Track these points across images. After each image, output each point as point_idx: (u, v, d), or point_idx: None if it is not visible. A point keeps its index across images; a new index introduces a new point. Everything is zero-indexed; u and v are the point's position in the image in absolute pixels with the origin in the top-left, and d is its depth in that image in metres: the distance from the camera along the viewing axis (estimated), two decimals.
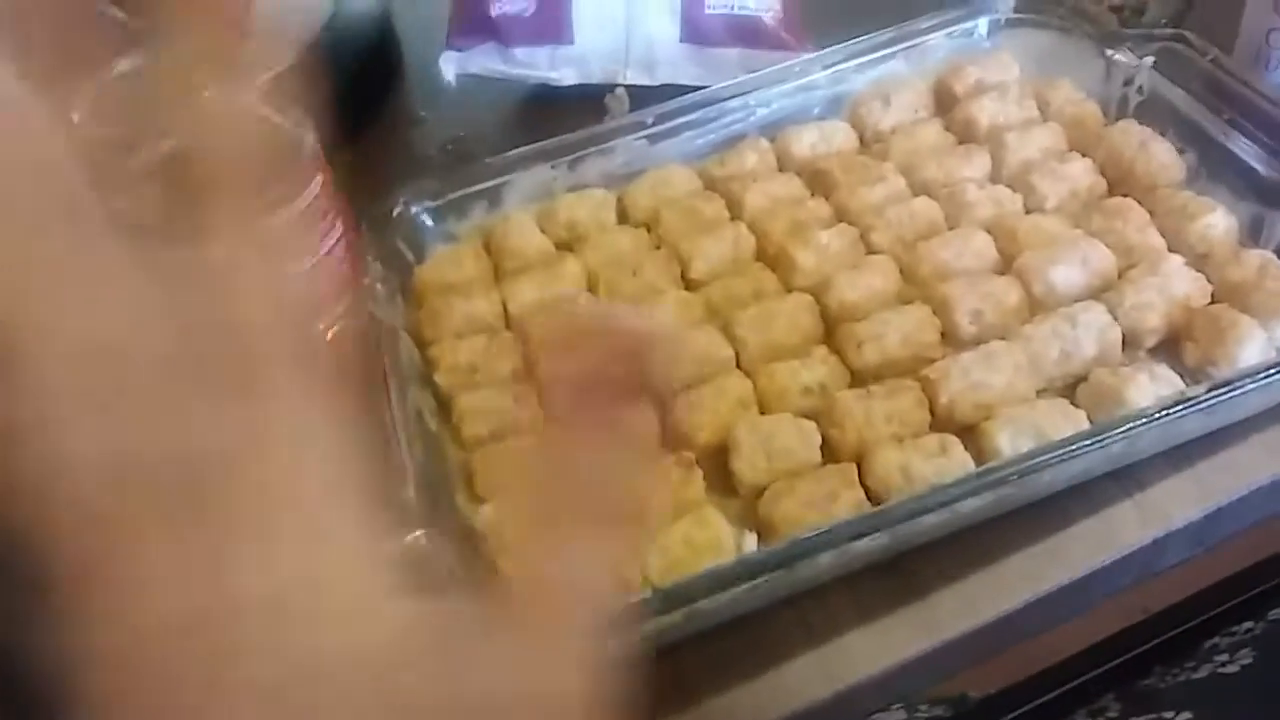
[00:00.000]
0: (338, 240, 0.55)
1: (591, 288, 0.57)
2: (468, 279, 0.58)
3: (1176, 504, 0.49)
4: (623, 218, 0.61)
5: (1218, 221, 0.53)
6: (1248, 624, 0.69)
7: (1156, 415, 0.43)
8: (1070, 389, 0.50)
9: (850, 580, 0.48)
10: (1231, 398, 0.44)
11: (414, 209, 0.60)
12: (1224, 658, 0.68)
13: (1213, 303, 0.50)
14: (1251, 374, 0.44)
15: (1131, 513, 0.50)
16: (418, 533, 0.43)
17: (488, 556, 0.46)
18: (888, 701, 0.50)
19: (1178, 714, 0.65)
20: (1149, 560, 0.51)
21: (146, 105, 0.59)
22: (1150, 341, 0.51)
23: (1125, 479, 0.50)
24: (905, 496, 0.44)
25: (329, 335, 0.53)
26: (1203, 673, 0.68)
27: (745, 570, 0.40)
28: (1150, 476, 0.50)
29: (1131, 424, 0.43)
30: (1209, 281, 0.51)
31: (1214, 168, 0.56)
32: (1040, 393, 0.49)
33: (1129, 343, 0.50)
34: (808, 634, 0.47)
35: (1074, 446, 0.43)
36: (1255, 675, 0.65)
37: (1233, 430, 0.51)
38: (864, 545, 0.43)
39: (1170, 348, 0.51)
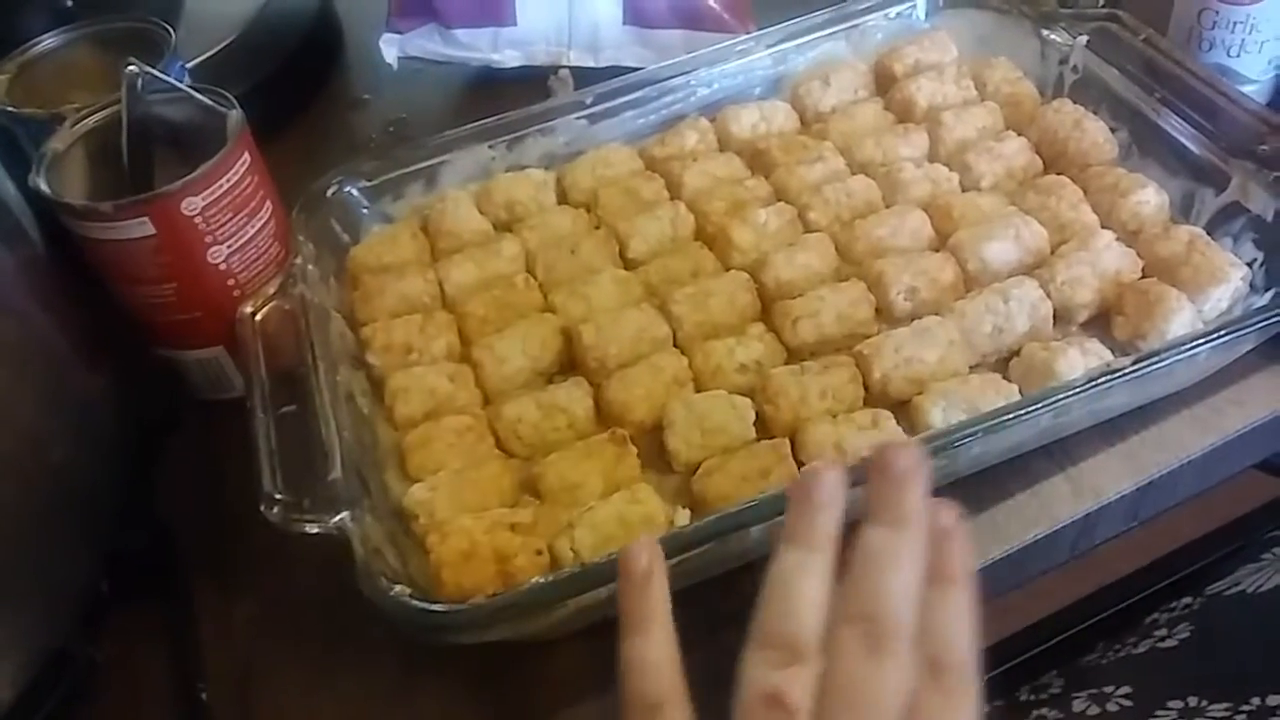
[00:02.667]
0: (266, 221, 0.55)
1: (529, 268, 0.57)
2: (403, 259, 0.57)
3: (1108, 478, 0.50)
4: (562, 198, 0.61)
5: (1149, 198, 0.53)
6: (1186, 599, 0.70)
7: (1083, 387, 0.43)
8: (1003, 364, 0.50)
9: None
10: (1157, 369, 0.44)
11: (348, 189, 0.59)
12: (1163, 632, 0.68)
13: (1143, 278, 0.51)
14: (1177, 345, 0.44)
15: (1064, 487, 0.50)
16: (343, 514, 0.42)
17: (418, 535, 0.45)
18: None
19: (1117, 688, 0.66)
20: (1083, 534, 0.51)
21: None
22: (1082, 316, 0.51)
23: (1058, 454, 0.51)
24: None
25: (258, 317, 0.52)
26: (1142, 648, 0.68)
27: (675, 544, 0.40)
28: (1082, 451, 0.51)
29: (1060, 395, 0.43)
30: (1140, 257, 0.51)
31: (1146, 145, 0.57)
32: (973, 368, 0.50)
33: (1061, 318, 0.51)
34: (746, 607, 0.47)
35: (1003, 418, 0.43)
36: (1191, 649, 0.66)
37: (1163, 404, 0.51)
38: None
39: (1102, 322, 0.51)
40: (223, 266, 0.53)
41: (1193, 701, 0.62)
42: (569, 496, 0.45)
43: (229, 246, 0.53)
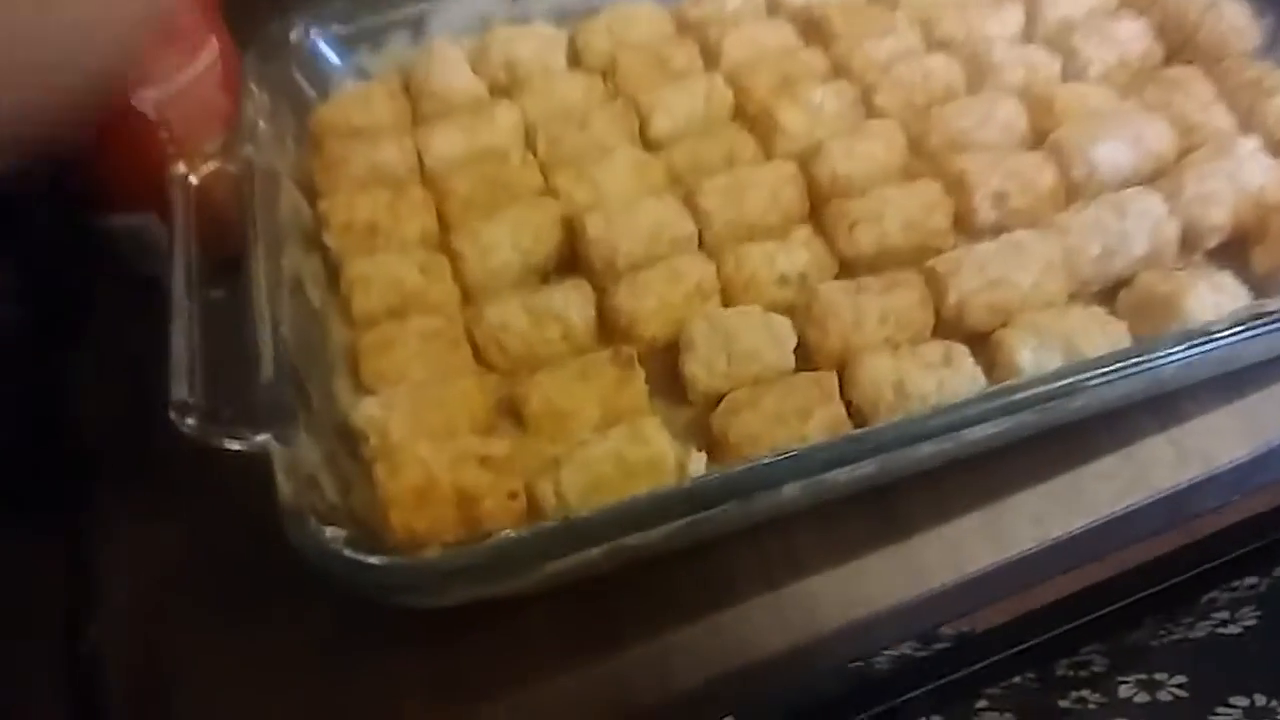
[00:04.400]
0: (211, 65, 0.45)
1: (529, 142, 0.47)
2: (378, 123, 0.48)
3: (1221, 441, 0.42)
4: (574, 61, 0.52)
5: None
6: (1250, 579, 0.62)
7: (1220, 335, 0.34)
8: (1110, 295, 0.41)
9: (820, 512, 0.39)
10: None
11: (316, 35, 0.50)
12: (1224, 615, 0.61)
13: None
14: None
15: (1166, 449, 0.42)
16: (264, 436, 0.33)
17: (364, 458, 0.36)
18: (859, 654, 0.42)
19: (1171, 676, 0.58)
20: (1180, 506, 0.42)
21: None
22: (1212, 241, 0.41)
23: (1162, 409, 0.42)
24: (897, 418, 0.34)
25: (194, 180, 0.43)
26: (1200, 632, 0.61)
27: (685, 501, 0.31)
28: (1190, 407, 0.42)
29: (1190, 344, 0.34)
30: None
31: None
32: (1072, 297, 0.41)
33: (1186, 242, 0.41)
34: (766, 576, 0.39)
35: (1114, 368, 0.34)
36: (1259, 638, 0.58)
37: None
38: (840, 476, 0.33)
39: (1234, 251, 0.42)
40: (153, 115, 0.43)
41: (1260, 700, 0.55)
42: (557, 427, 0.37)
43: (159, 90, 0.43)
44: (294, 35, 0.49)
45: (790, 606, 0.39)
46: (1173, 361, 0.34)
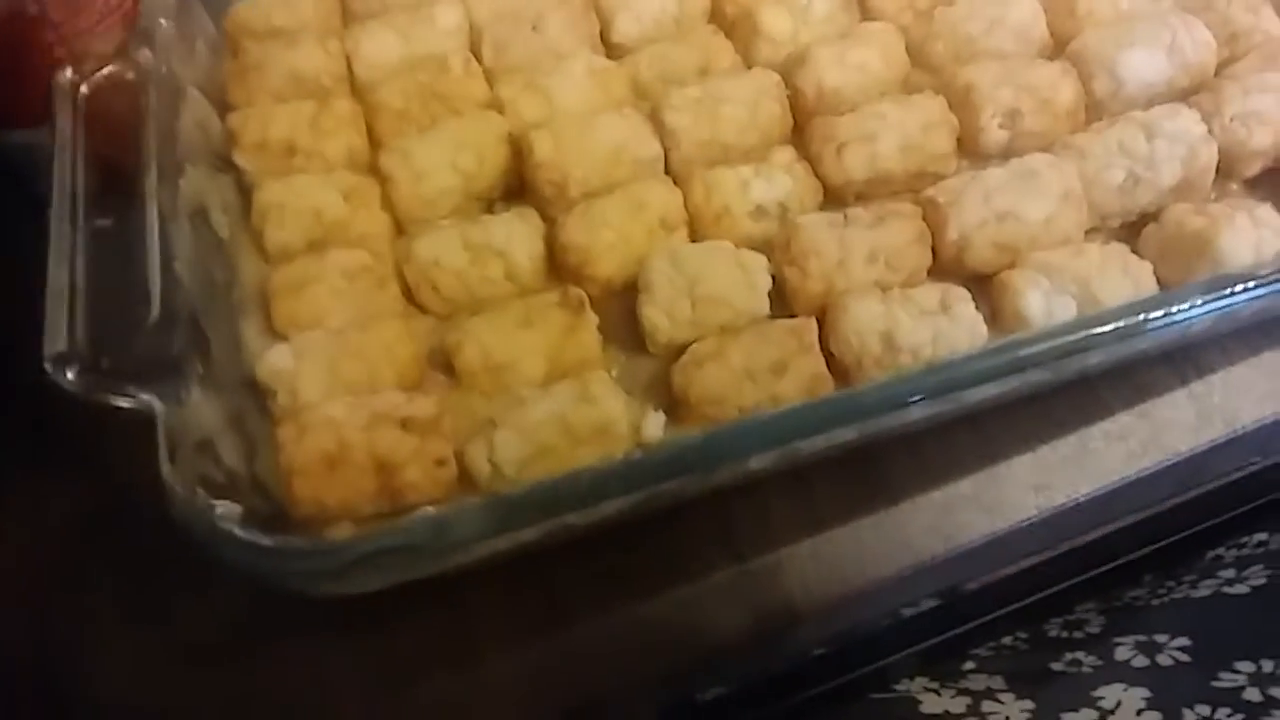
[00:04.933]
0: None
1: (473, 47, 0.42)
2: (301, 22, 0.42)
3: (1247, 399, 0.38)
4: None
5: None
6: (1260, 535, 0.59)
7: (1270, 280, 0.29)
8: (1135, 231, 0.37)
9: (794, 476, 0.35)
10: None
11: None
12: (1230, 573, 0.58)
13: None
14: None
15: (1187, 408, 0.38)
16: (146, 396, 0.29)
17: (275, 419, 0.32)
18: (833, 640, 0.38)
19: (1172, 638, 0.55)
20: (1199, 469, 0.39)
21: None
22: (1254, 169, 0.37)
23: (1181, 360, 0.38)
24: (885, 377, 0.30)
25: (84, 88, 0.37)
26: (1204, 590, 0.58)
27: (638, 473, 0.27)
28: (1216, 360, 0.38)
29: (1231, 290, 0.29)
30: None
31: None
32: (1090, 234, 0.36)
33: (1223, 169, 0.36)
34: (730, 548, 0.36)
35: (1134, 320, 0.29)
36: (1267, 599, 0.55)
37: None
38: (816, 443, 0.29)
39: (1274, 181, 0.37)
40: (34, 10, 0.38)
41: (1268, 666, 0.52)
42: (494, 382, 0.32)
43: None
44: None
45: (758, 582, 0.35)
46: (1204, 314, 0.29)
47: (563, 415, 0.30)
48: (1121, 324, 0.29)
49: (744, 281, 0.33)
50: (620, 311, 0.36)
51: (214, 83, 0.41)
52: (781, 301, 0.35)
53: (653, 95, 0.39)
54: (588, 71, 0.39)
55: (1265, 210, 0.34)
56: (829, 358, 0.33)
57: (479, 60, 0.41)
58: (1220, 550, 0.60)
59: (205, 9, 0.43)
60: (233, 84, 0.40)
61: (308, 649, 0.33)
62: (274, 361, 0.32)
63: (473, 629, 0.34)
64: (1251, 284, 0.29)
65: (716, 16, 0.42)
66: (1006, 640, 0.61)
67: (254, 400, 0.33)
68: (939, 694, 0.58)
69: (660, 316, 0.33)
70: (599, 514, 0.30)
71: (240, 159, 0.38)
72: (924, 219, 0.35)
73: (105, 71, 0.38)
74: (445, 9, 0.42)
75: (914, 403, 0.29)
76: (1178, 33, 0.37)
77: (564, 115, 0.38)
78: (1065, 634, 0.59)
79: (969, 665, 0.59)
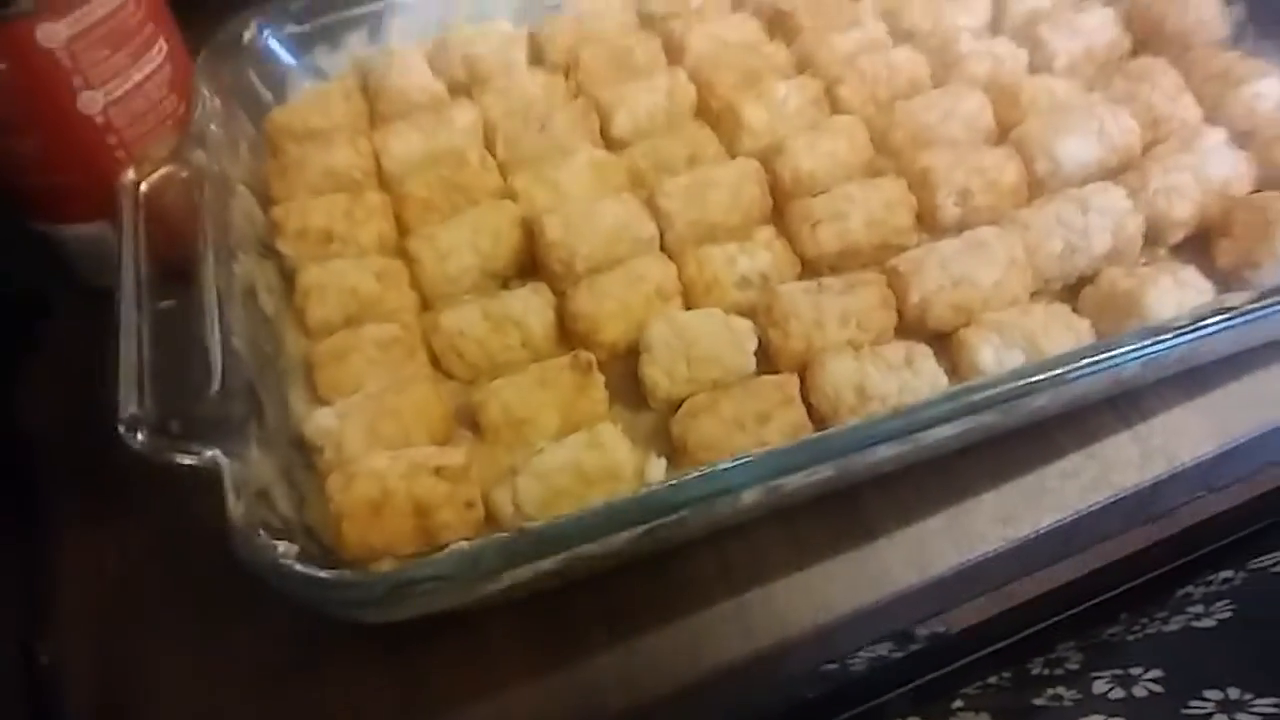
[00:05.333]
0: (160, 66, 0.44)
1: (488, 143, 0.47)
2: (334, 124, 0.47)
3: (1185, 439, 0.42)
4: (535, 58, 0.51)
5: (1269, 90, 0.43)
6: (1225, 573, 0.62)
7: (1187, 330, 0.33)
8: (1074, 292, 0.41)
9: (782, 515, 0.39)
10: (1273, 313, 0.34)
11: (270, 35, 0.49)
12: (1198, 609, 0.61)
13: (1257, 191, 0.40)
14: None
15: (1130, 448, 0.42)
16: (213, 451, 0.33)
17: (321, 472, 0.36)
18: (820, 661, 0.41)
19: (1146, 670, 0.58)
20: (1146, 503, 0.42)
21: None
22: (1176, 237, 0.41)
23: (1124, 406, 0.42)
24: (857, 421, 0.34)
25: (143, 187, 0.42)
26: (1174, 625, 0.61)
27: (643, 509, 0.31)
28: (1154, 404, 0.42)
29: (1155, 340, 0.33)
30: (1254, 164, 0.41)
31: (1267, 23, 0.46)
32: (1035, 295, 0.40)
33: (1150, 237, 0.41)
34: (727, 580, 0.39)
35: (1078, 365, 0.33)
36: (1233, 631, 0.58)
37: (1259, 353, 0.42)
38: (798, 480, 0.33)
39: (1200, 245, 0.42)
40: (99, 119, 0.43)
41: (1234, 693, 0.55)
42: (515, 435, 0.36)
43: (106, 94, 0.43)
44: (247, 35, 0.48)
45: (754, 612, 0.38)
46: (1133, 359, 0.34)
47: (576, 462, 0.34)
48: (1057, 371, 0.33)
49: (733, 343, 0.37)
50: (624, 372, 0.39)
51: (258, 179, 0.46)
52: (766, 360, 0.39)
53: (648, 182, 0.43)
54: (590, 163, 0.44)
55: (1189, 272, 0.39)
56: (809, 408, 0.36)
57: (493, 155, 0.45)
58: (1189, 588, 0.63)
59: (248, 115, 0.48)
60: (274, 180, 0.45)
61: (347, 678, 0.37)
62: (320, 422, 0.36)
63: (496, 660, 0.37)
64: (1169, 334, 0.34)
65: (703, 112, 0.47)
66: (992, 680, 0.64)
67: (301, 457, 0.37)
68: None
69: (660, 375, 0.37)
70: (610, 551, 0.34)
71: (283, 246, 0.42)
72: (889, 285, 0.38)
73: (162, 172, 0.42)
74: (462, 110, 0.47)
75: (881, 443, 0.33)
76: (1105, 121, 0.42)
77: (570, 201, 0.42)
78: (1047, 671, 0.62)
79: (958, 704, 0.62)
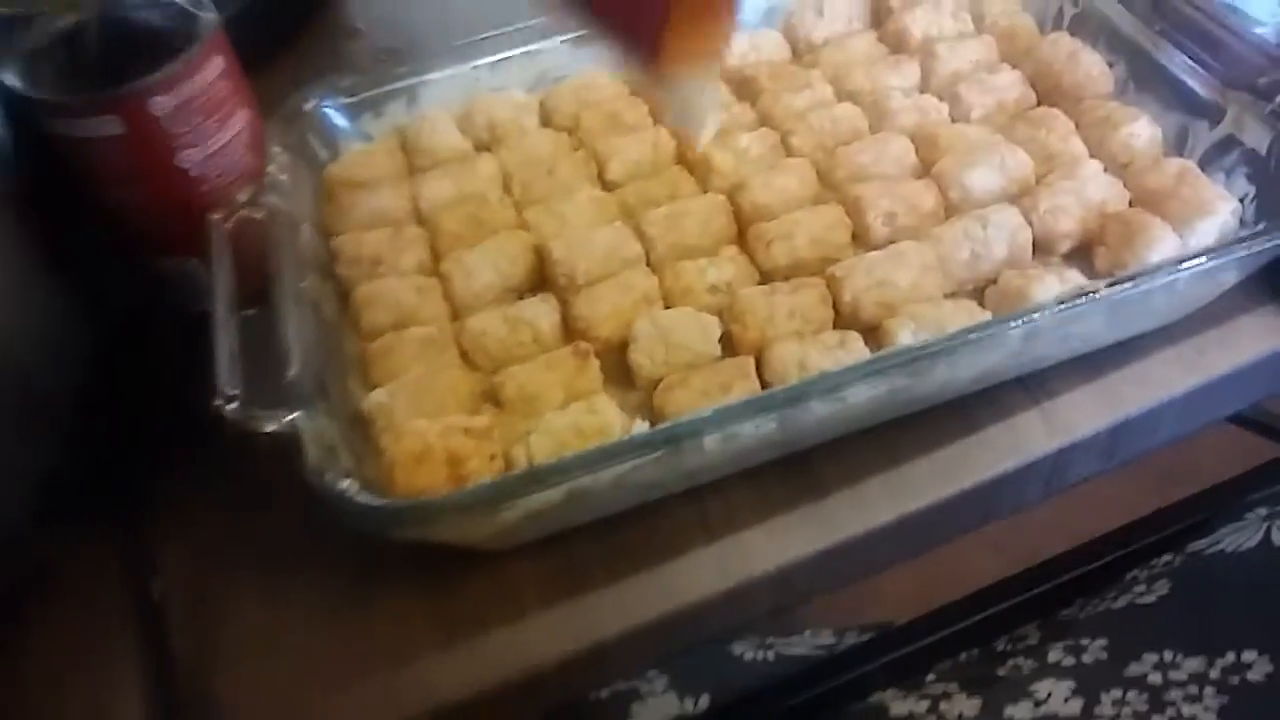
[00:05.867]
0: (241, 129, 0.54)
1: (506, 186, 0.56)
2: (379, 175, 0.56)
3: (1084, 414, 0.49)
4: (545, 121, 0.60)
5: (1141, 130, 0.52)
6: (1166, 556, 0.69)
7: (1053, 307, 0.42)
8: (980, 293, 0.49)
9: (752, 477, 0.47)
10: (1131, 292, 0.43)
11: (327, 105, 0.59)
12: (1142, 589, 0.68)
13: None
14: (1153, 269, 0.43)
15: (1038, 421, 0.49)
16: (296, 414, 0.42)
17: (373, 439, 0.45)
18: (785, 600, 0.49)
19: (1094, 639, 0.65)
20: (1056, 472, 0.50)
21: None
22: (1064, 247, 0.50)
23: (1034, 387, 0.50)
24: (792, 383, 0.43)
25: (228, 225, 0.52)
26: (1121, 603, 0.68)
27: (628, 448, 0.39)
28: (1058, 386, 0.50)
29: (1026, 315, 0.42)
30: (1128, 190, 0.50)
31: (1144, 80, 0.55)
32: (949, 296, 0.48)
33: (1041, 248, 0.49)
34: (706, 529, 0.47)
35: (968, 334, 0.42)
36: (1170, 604, 0.65)
37: (1145, 341, 0.50)
38: (754, 432, 0.42)
39: (1085, 255, 0.50)
40: (194, 173, 0.52)
41: (1168, 655, 0.62)
42: (527, 407, 0.45)
43: (200, 152, 0.52)
44: (308, 105, 0.58)
45: (727, 556, 0.45)
46: (1013, 328, 0.42)
47: (576, 424, 0.43)
48: (955, 338, 0.42)
49: (702, 334, 0.46)
50: (615, 361, 0.47)
51: (318, 219, 0.55)
52: (729, 348, 0.47)
53: (636, 214, 0.52)
54: (589, 199, 0.53)
55: (1071, 273, 0.47)
56: (763, 383, 0.45)
57: (510, 195, 0.55)
58: (1136, 571, 0.70)
59: (308, 169, 0.57)
60: (332, 220, 0.54)
61: (393, 609, 0.45)
62: (374, 399, 0.45)
63: (517, 595, 0.45)
64: (1041, 310, 0.42)
65: (681, 159, 0.56)
66: (962, 657, 0.71)
67: (358, 430, 0.46)
68: (904, 700, 0.67)
69: (643, 359, 0.46)
70: (603, 486, 0.42)
71: (341, 270, 0.51)
72: (828, 287, 0.47)
73: (242, 213, 0.52)
74: (485, 162, 0.56)
75: (808, 398, 0.41)
76: (1005, 157, 0.51)
77: (572, 229, 0.51)
78: (1009, 647, 0.69)
79: (930, 677, 0.69)
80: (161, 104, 0.49)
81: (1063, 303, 0.42)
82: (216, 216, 0.52)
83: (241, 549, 0.47)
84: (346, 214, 0.54)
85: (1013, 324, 0.42)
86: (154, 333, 0.55)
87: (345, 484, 0.40)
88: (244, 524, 0.48)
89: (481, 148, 0.58)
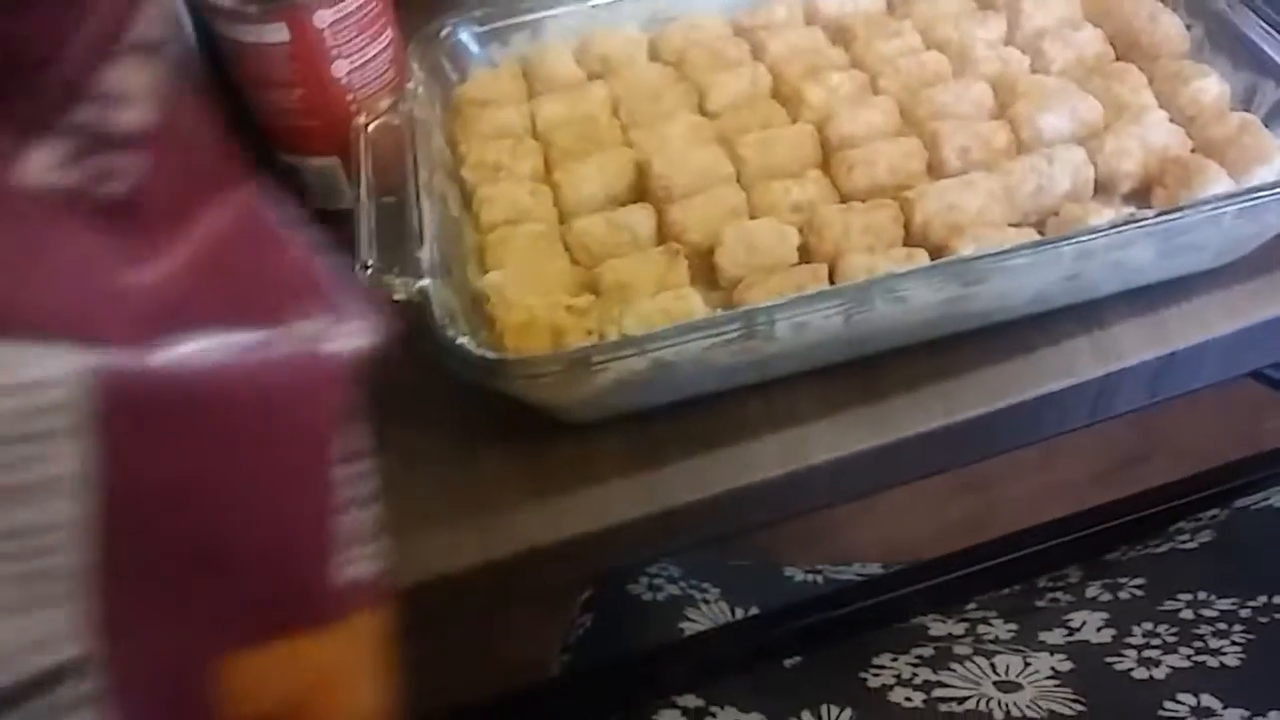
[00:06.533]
0: (386, 47, 0.61)
1: (614, 111, 0.62)
2: (502, 96, 0.63)
3: (1132, 344, 0.53)
4: (654, 58, 0.65)
5: (1210, 86, 0.55)
6: (1213, 511, 0.72)
7: (1105, 230, 0.46)
8: (1042, 224, 0.53)
9: (816, 377, 0.52)
10: (1179, 222, 0.47)
11: (460, 32, 0.65)
12: (1185, 537, 0.70)
13: None
14: (1202, 202, 0.47)
15: (1088, 347, 0.53)
16: (426, 280, 0.49)
17: (487, 314, 0.51)
18: (839, 494, 0.54)
19: (1131, 579, 0.68)
20: (1102, 397, 0.54)
21: None
22: (1125, 187, 0.53)
23: (1086, 317, 0.54)
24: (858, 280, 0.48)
25: (371, 128, 0.59)
26: (1163, 549, 0.71)
27: (707, 323, 0.45)
28: (1111, 317, 0.54)
29: (1080, 235, 0.46)
30: (1191, 139, 0.54)
31: (1219, 42, 0.58)
32: (1013, 226, 0.53)
33: (1103, 186, 0.53)
34: (771, 420, 0.52)
35: (1022, 246, 0.46)
36: (1210, 551, 0.68)
37: (1196, 282, 0.54)
38: (822, 324, 0.47)
39: (1144, 198, 0.54)
40: (344, 80, 0.60)
41: (1202, 595, 0.65)
42: (622, 294, 0.51)
43: (351, 63, 0.59)
44: (444, 31, 0.64)
45: (790, 445, 0.51)
46: (1067, 245, 0.47)
47: (665, 307, 0.48)
48: (1010, 250, 0.46)
49: (781, 241, 0.51)
50: (702, 265, 0.52)
51: (447, 131, 0.62)
52: (805, 258, 0.51)
53: (731, 140, 0.57)
54: (689, 125, 0.58)
55: (1125, 209, 0.52)
56: None
57: (618, 118, 0.60)
58: (1182, 523, 0.73)
59: (440, 89, 0.64)
60: (458, 131, 0.61)
61: (493, 466, 0.51)
62: (490, 279, 0.52)
63: (600, 463, 0.50)
64: (1092, 233, 0.46)
65: (777, 95, 0.60)
66: (1004, 592, 0.75)
67: (474, 308, 0.53)
68: (943, 623, 0.72)
69: (727, 260, 0.51)
70: (687, 385, 0.48)
71: (465, 173, 0.57)
72: (901, 209, 0.52)
73: (382, 119, 0.59)
74: (597, 88, 0.62)
75: (873, 298, 0.46)
76: (1078, 103, 0.55)
77: (672, 148, 0.57)
78: (1050, 584, 0.73)
79: (970, 606, 0.73)
80: (323, 17, 0.57)
81: (1114, 224, 0.46)
82: (361, 120, 0.59)
83: (364, 403, 0.54)
84: (472, 127, 0.61)
85: (1066, 242, 0.46)
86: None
87: (465, 339, 0.46)
88: (368, 384, 0.55)
89: (594, 77, 0.64)
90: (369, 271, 0.49)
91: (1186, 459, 0.79)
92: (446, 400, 0.53)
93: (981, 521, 1.26)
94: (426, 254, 0.51)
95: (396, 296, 0.50)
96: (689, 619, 0.76)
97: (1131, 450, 1.38)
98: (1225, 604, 0.63)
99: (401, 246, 0.52)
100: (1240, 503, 0.71)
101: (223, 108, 0.59)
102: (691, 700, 0.68)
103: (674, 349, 0.45)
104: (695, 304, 0.49)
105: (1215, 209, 0.46)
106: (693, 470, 0.51)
